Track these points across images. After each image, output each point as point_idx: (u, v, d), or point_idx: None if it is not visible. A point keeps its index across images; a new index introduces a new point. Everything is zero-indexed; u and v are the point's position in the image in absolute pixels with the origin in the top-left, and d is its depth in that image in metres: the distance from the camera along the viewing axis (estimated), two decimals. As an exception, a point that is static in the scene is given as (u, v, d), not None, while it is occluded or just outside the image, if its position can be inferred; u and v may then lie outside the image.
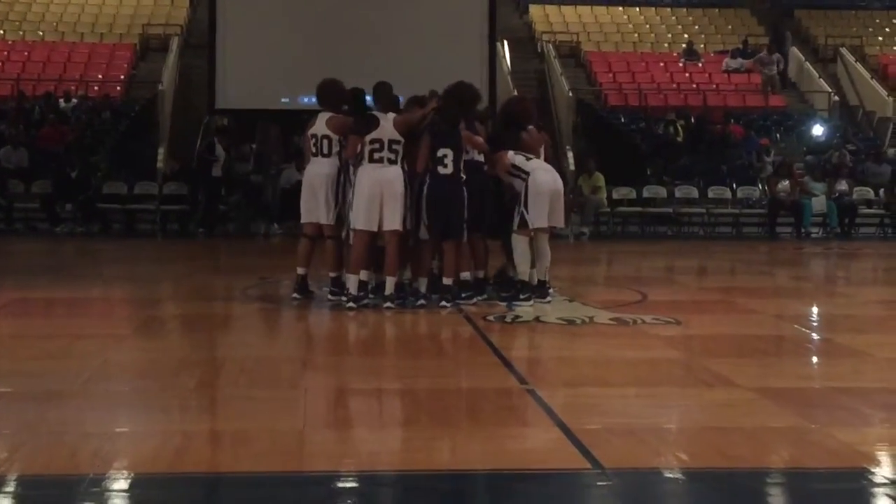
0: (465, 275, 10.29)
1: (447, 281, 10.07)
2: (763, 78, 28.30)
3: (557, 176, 10.54)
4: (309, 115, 10.82)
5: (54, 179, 21.56)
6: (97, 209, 21.51)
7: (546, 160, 10.63)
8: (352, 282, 9.95)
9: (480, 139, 10.20)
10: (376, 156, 9.84)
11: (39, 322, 9.78)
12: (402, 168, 9.92)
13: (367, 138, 9.84)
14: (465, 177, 9.95)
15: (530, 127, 10.71)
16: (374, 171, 9.82)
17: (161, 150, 23.05)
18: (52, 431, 5.45)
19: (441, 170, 9.89)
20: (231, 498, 4.66)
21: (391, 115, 9.96)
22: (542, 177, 10.22)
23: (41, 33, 30.25)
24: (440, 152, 9.88)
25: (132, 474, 4.69)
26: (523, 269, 10.25)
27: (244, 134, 23.32)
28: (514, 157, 10.19)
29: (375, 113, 10.06)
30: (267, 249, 18.95)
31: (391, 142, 9.85)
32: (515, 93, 24.71)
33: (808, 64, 29.42)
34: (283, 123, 23.02)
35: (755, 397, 6.34)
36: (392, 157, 9.85)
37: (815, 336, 9.48)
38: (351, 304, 9.86)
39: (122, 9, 31.44)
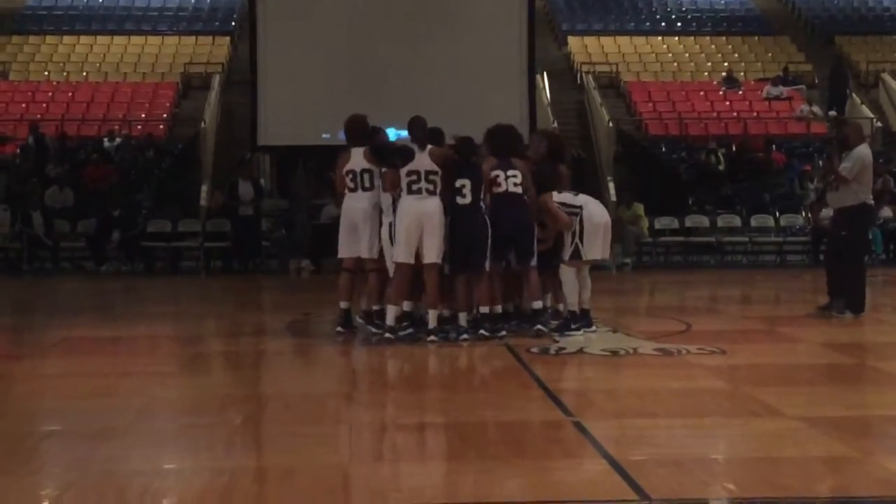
0: (508, 305, 10.32)
1: (483, 310, 10.08)
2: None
3: (605, 208, 10.62)
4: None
5: (99, 218, 21.80)
6: (141, 247, 21.69)
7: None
8: (391, 313, 9.98)
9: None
10: (414, 187, 9.89)
11: (86, 361, 9.84)
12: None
13: (404, 171, 9.90)
14: (484, 206, 9.98)
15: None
16: (414, 203, 9.86)
17: (204, 188, 23.21)
18: (100, 469, 5.49)
19: (459, 200, 9.94)
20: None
21: (428, 147, 10.01)
22: (595, 209, 10.29)
23: (85, 74, 30.64)
24: (458, 182, 9.93)
25: (180, 511, 4.72)
26: (573, 300, 10.30)
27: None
28: (558, 196, 10.22)
29: (409, 145, 10.11)
30: (310, 285, 19.00)
31: (427, 172, 9.87)
32: (555, 124, 24.82)
33: (850, 90, 29.26)
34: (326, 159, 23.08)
35: (802, 426, 6.30)
36: (430, 187, 9.88)
37: (861, 364, 9.39)
38: (388, 334, 9.89)
39: (164, 48, 31.81)
